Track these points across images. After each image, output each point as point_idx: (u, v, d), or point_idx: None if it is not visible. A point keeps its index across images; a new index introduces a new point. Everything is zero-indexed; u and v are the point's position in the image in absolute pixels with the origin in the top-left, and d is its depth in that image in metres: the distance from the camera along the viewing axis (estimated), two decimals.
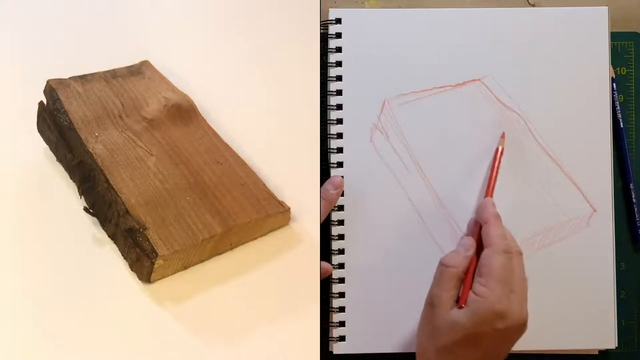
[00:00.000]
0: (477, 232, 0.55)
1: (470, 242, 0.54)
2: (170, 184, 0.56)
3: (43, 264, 0.53)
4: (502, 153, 0.59)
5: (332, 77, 0.61)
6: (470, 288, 0.51)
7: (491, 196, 0.57)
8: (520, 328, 0.51)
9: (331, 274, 0.59)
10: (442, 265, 0.53)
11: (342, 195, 0.59)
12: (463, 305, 0.50)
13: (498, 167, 0.58)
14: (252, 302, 0.52)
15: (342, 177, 0.59)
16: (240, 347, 0.50)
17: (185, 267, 0.53)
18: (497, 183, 0.59)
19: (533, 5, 0.65)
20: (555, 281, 0.59)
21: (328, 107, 0.61)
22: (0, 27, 0.69)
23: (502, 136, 0.59)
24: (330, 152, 0.60)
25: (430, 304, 0.52)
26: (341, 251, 0.59)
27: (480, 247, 0.53)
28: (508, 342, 0.51)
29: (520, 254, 0.52)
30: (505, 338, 0.50)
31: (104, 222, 0.55)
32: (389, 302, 0.59)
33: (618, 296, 0.60)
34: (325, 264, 0.58)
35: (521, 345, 0.59)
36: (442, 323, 0.50)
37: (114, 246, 0.54)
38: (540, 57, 0.61)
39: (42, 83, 0.61)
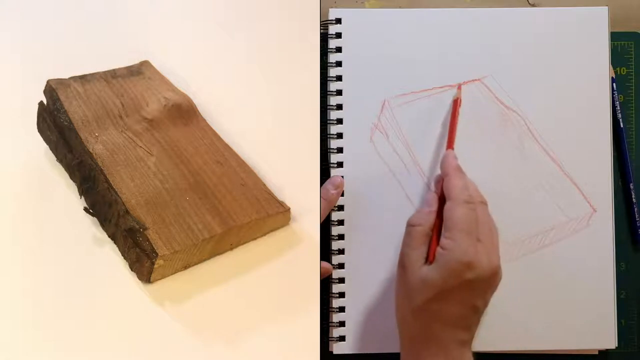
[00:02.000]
0: (441, 187, 0.54)
1: (433, 198, 0.54)
2: (170, 184, 0.56)
3: (43, 264, 0.53)
4: (459, 104, 0.59)
5: (332, 77, 0.61)
6: (436, 243, 0.51)
7: (452, 148, 0.56)
8: (491, 277, 0.50)
9: (331, 274, 0.59)
10: (409, 225, 0.53)
11: (342, 195, 0.59)
12: (432, 261, 0.50)
13: (457, 117, 0.58)
14: (252, 302, 0.52)
15: (342, 177, 0.59)
16: (240, 347, 0.50)
17: (185, 267, 0.53)
18: (498, 183, 0.59)
19: (533, 5, 0.65)
20: (556, 281, 0.59)
21: (328, 107, 0.61)
22: (0, 27, 0.69)
23: (459, 87, 0.59)
24: (330, 152, 0.60)
25: (401, 265, 0.52)
26: (341, 251, 0.59)
27: (443, 202, 0.53)
28: (482, 292, 0.50)
29: (483, 203, 0.52)
30: (477, 288, 0.50)
31: (104, 222, 0.55)
32: (389, 302, 0.59)
33: (618, 296, 0.60)
34: (325, 264, 0.58)
35: (521, 345, 0.59)
36: (414, 282, 0.50)
37: (114, 246, 0.54)
38: (540, 57, 0.61)
39: (42, 83, 0.61)
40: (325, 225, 0.59)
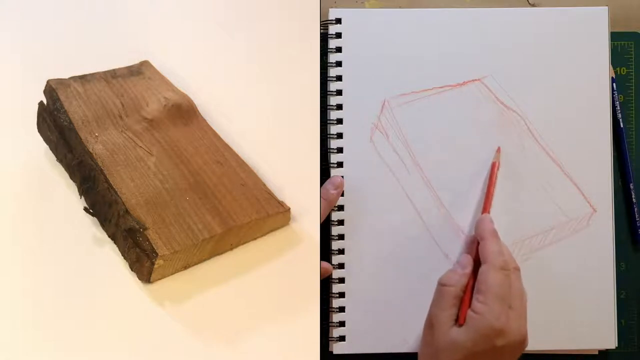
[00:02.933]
0: (475, 249, 0.54)
1: (467, 260, 0.54)
2: (170, 184, 0.56)
3: (43, 264, 0.53)
4: (498, 168, 0.59)
5: (332, 77, 0.61)
6: (468, 305, 0.51)
7: (488, 212, 0.57)
8: (520, 344, 0.50)
9: (331, 274, 0.59)
10: (440, 284, 0.53)
11: (342, 195, 0.59)
12: (462, 324, 0.50)
13: (494, 182, 0.58)
14: (252, 302, 0.52)
15: (342, 177, 0.59)
16: (240, 347, 0.50)
17: (185, 267, 0.53)
18: (498, 183, 0.59)
19: (533, 5, 0.65)
20: (556, 281, 0.59)
21: (328, 107, 0.61)
22: (0, 27, 0.69)
23: (498, 150, 0.59)
24: (330, 152, 0.60)
25: (430, 324, 0.52)
26: (341, 251, 0.59)
27: (478, 265, 0.53)
28: (509, 358, 0.51)
29: (517, 269, 0.52)
30: (505, 355, 0.50)
31: (104, 222, 0.55)
32: (389, 302, 0.59)
33: (618, 296, 0.60)
34: (325, 264, 0.58)
35: None
36: (442, 343, 0.50)
37: (114, 246, 0.54)
38: (540, 57, 0.61)
39: (42, 83, 0.61)
40: (325, 225, 0.59)
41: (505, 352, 0.50)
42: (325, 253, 0.59)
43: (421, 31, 0.61)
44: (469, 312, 0.50)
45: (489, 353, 0.49)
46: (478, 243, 0.54)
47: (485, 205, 0.57)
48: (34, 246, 0.55)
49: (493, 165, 0.59)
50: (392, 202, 0.59)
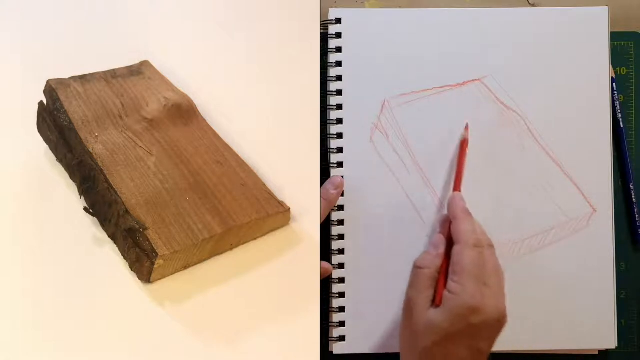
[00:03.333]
0: (448, 228, 0.54)
1: (440, 240, 0.54)
2: (170, 184, 0.56)
3: (43, 264, 0.53)
4: (467, 144, 0.58)
5: (332, 77, 0.61)
6: (444, 286, 0.51)
7: (459, 190, 0.56)
8: (497, 322, 0.50)
9: (331, 274, 0.59)
10: (416, 267, 0.53)
11: (342, 195, 0.59)
12: (438, 305, 0.50)
13: (464, 159, 0.58)
14: (252, 302, 0.52)
15: (342, 177, 0.59)
16: (240, 347, 0.50)
17: (185, 267, 0.53)
18: (498, 183, 0.59)
19: (533, 5, 0.65)
20: (556, 281, 0.59)
21: (328, 107, 0.61)
22: (0, 27, 0.69)
23: (466, 128, 0.59)
24: (330, 152, 0.60)
25: (407, 307, 0.52)
26: (341, 251, 0.59)
27: (451, 244, 0.53)
28: (488, 336, 0.50)
29: (491, 246, 0.52)
30: (483, 333, 0.50)
31: (104, 222, 0.55)
32: (389, 302, 0.59)
33: (618, 296, 0.60)
34: (325, 264, 0.58)
35: (521, 345, 0.59)
36: (420, 325, 0.50)
37: (114, 246, 0.54)
38: (540, 57, 0.61)
39: (42, 83, 0.61)
40: (325, 225, 0.59)
41: (482, 329, 0.49)
42: (325, 253, 0.59)
43: (421, 31, 0.61)
44: (445, 293, 0.50)
45: (466, 332, 0.49)
46: (451, 222, 0.54)
47: (456, 182, 0.57)
48: (34, 246, 0.55)
49: (462, 142, 0.59)
50: (392, 202, 0.59)
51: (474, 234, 0.52)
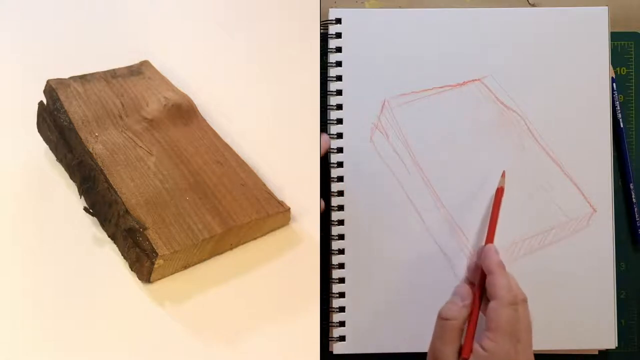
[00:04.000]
0: (479, 277, 0.53)
1: (467, 291, 0.53)
2: (170, 184, 0.56)
3: (43, 264, 0.53)
4: (502, 193, 0.57)
5: (332, 77, 0.61)
6: (472, 338, 0.51)
7: (492, 242, 0.55)
8: None
9: (331, 274, 0.59)
10: (441, 318, 0.52)
11: (342, 195, 0.59)
12: (466, 358, 0.50)
13: (499, 210, 0.57)
14: (252, 302, 0.52)
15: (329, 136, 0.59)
16: (240, 347, 0.50)
17: (185, 267, 0.53)
18: (497, 183, 0.59)
19: (533, 5, 0.65)
20: (556, 281, 0.59)
21: (328, 107, 0.61)
22: (0, 27, 0.69)
23: (503, 175, 0.58)
24: (330, 152, 0.60)
25: (434, 359, 0.51)
26: (341, 251, 0.59)
27: (482, 295, 0.53)
28: None
29: (525, 301, 0.51)
30: None
31: (104, 222, 0.55)
32: (389, 302, 0.59)
33: (618, 296, 0.60)
34: (325, 136, 0.58)
35: None
36: None
37: (114, 246, 0.54)
38: (540, 57, 0.61)
39: (42, 83, 0.61)
40: (325, 225, 0.59)
41: None
42: (325, 253, 0.59)
43: (421, 31, 0.61)
44: (478, 349, 0.50)
45: None
46: (482, 273, 0.53)
47: (489, 234, 0.56)
48: (34, 246, 0.55)
49: (498, 191, 0.57)
50: (392, 202, 0.59)
51: (511, 291, 0.51)
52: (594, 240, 0.60)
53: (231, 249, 0.55)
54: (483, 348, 0.49)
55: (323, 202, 0.58)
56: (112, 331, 0.50)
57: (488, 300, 0.52)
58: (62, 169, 0.59)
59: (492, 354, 0.49)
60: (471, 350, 0.50)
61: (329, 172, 0.60)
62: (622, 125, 0.62)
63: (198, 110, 0.63)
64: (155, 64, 0.67)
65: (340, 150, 0.60)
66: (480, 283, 0.53)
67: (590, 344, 0.59)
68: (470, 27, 0.61)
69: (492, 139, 0.60)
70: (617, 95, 0.63)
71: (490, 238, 0.55)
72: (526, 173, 0.60)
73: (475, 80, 0.61)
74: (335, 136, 0.60)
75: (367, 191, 0.60)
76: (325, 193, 0.59)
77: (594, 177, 0.60)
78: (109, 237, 0.55)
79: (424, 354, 0.58)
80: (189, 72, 0.68)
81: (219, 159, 0.59)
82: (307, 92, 0.61)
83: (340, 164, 0.60)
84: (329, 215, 0.59)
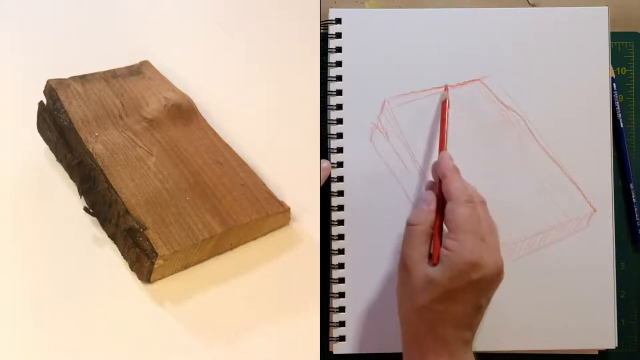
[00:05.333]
0: (438, 186, 0.54)
1: (431, 197, 0.54)
2: (170, 184, 0.56)
3: (43, 264, 0.53)
4: (448, 105, 0.58)
5: (332, 77, 0.61)
6: (441, 244, 0.51)
7: (445, 149, 0.56)
8: (496, 276, 0.50)
9: (331, 274, 0.59)
10: (409, 224, 0.53)
11: (342, 195, 0.59)
12: (436, 263, 0.50)
13: (447, 119, 0.58)
14: (252, 302, 0.53)
15: (330, 162, 0.59)
16: (240, 347, 0.50)
17: (185, 267, 0.53)
18: (497, 183, 0.59)
19: (533, 5, 0.65)
20: (556, 281, 0.59)
21: (328, 107, 0.61)
22: (0, 27, 0.69)
23: (445, 89, 0.59)
24: (330, 152, 0.60)
25: (403, 264, 0.52)
26: (341, 251, 0.59)
27: (441, 202, 0.53)
28: (486, 291, 0.50)
29: (483, 202, 0.52)
30: (482, 288, 0.50)
31: (104, 222, 0.55)
32: (389, 302, 0.59)
33: (618, 296, 0.60)
34: (325, 163, 0.59)
35: (521, 345, 0.59)
36: (418, 282, 0.50)
37: (114, 246, 0.54)
38: (540, 57, 0.61)
39: (42, 83, 0.61)
40: (325, 225, 0.59)
41: (482, 285, 0.49)
42: (325, 253, 0.59)
43: (421, 31, 0.61)
44: (442, 250, 0.50)
45: (466, 287, 0.49)
46: (440, 182, 0.54)
47: (441, 143, 0.57)
48: (34, 246, 0.55)
49: (443, 104, 0.59)
50: (392, 202, 0.59)
51: (466, 191, 0.52)
52: (594, 240, 0.60)
53: (231, 249, 0.55)
54: (446, 248, 0.50)
55: (328, 164, 0.59)
56: (112, 331, 0.50)
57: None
58: (62, 169, 0.59)
59: (456, 252, 0.49)
60: (439, 255, 0.50)
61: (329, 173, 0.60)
62: (622, 125, 0.62)
63: (198, 110, 0.63)
64: (155, 64, 0.67)
65: (340, 150, 0.60)
66: (439, 190, 0.54)
67: (590, 344, 0.59)
68: (470, 27, 0.61)
69: (492, 139, 0.60)
70: (617, 95, 0.63)
71: (442, 146, 0.57)
72: (526, 173, 0.60)
73: (475, 80, 0.61)
74: (335, 136, 0.60)
75: (367, 191, 0.60)
76: (325, 193, 0.59)
77: (594, 177, 0.60)
78: (109, 237, 0.55)
79: None
80: (189, 72, 0.68)
81: (219, 159, 0.59)
82: (307, 92, 0.61)
83: (340, 164, 0.60)
84: (329, 215, 0.59)
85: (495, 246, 0.50)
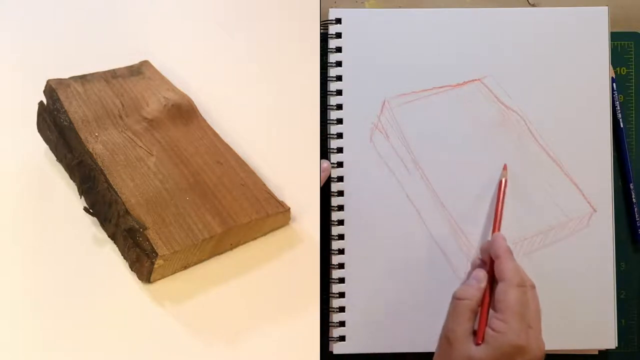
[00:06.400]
0: (489, 265, 0.54)
1: (483, 274, 0.53)
2: (170, 184, 0.56)
3: (43, 264, 0.53)
4: (506, 185, 0.58)
5: (332, 77, 0.61)
6: (486, 323, 0.51)
7: (499, 230, 0.56)
8: None
9: (331, 274, 0.59)
10: (456, 298, 0.52)
11: (342, 195, 0.59)
12: (480, 342, 0.50)
13: (503, 200, 0.57)
14: (252, 302, 0.52)
15: (330, 162, 0.59)
16: (240, 347, 0.50)
17: (185, 267, 0.53)
18: (497, 183, 0.59)
19: (533, 5, 0.65)
20: (555, 281, 0.59)
21: (328, 107, 0.61)
22: (0, 27, 0.69)
23: (504, 168, 0.59)
24: (330, 152, 0.60)
25: (446, 338, 0.51)
26: (341, 251, 0.59)
27: (492, 282, 0.53)
28: None
29: (533, 287, 0.52)
30: None
31: (104, 222, 0.55)
32: (389, 302, 0.59)
33: (618, 296, 0.60)
34: (325, 163, 0.59)
35: None
36: (460, 359, 0.50)
37: (114, 246, 0.54)
38: (540, 57, 0.61)
39: (42, 83, 0.61)
40: (325, 225, 0.59)
41: None
42: (325, 253, 0.59)
43: (421, 31, 0.61)
44: (488, 331, 0.50)
45: None
46: (492, 261, 0.53)
47: (495, 223, 0.57)
48: (34, 246, 0.55)
49: (500, 183, 0.58)
50: (392, 202, 0.59)
51: (518, 273, 0.51)
52: (594, 240, 0.60)
53: (231, 249, 0.55)
54: (493, 329, 0.49)
55: (328, 164, 0.58)
56: (112, 331, 0.50)
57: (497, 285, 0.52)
58: (62, 169, 0.59)
59: (503, 334, 0.49)
60: (484, 335, 0.50)
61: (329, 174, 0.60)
62: (622, 125, 0.62)
63: (198, 110, 0.63)
64: (155, 64, 0.67)
65: (340, 150, 0.60)
66: (490, 269, 0.53)
67: (590, 344, 0.59)
68: (470, 27, 0.61)
69: (492, 139, 0.60)
70: (617, 95, 0.63)
71: (496, 227, 0.56)
72: (526, 173, 0.60)
73: (475, 80, 0.61)
74: (335, 136, 0.60)
75: (367, 191, 0.60)
76: (325, 193, 0.59)
77: (594, 177, 0.60)
78: (109, 237, 0.55)
79: (424, 354, 0.58)
80: (189, 72, 0.68)
81: (219, 159, 0.59)
82: (307, 92, 0.61)
83: (340, 164, 0.60)
84: (329, 215, 0.59)
85: (539, 332, 0.50)
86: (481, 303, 0.52)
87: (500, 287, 0.51)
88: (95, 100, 0.61)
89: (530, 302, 0.51)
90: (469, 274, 0.55)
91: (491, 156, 0.60)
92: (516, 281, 0.51)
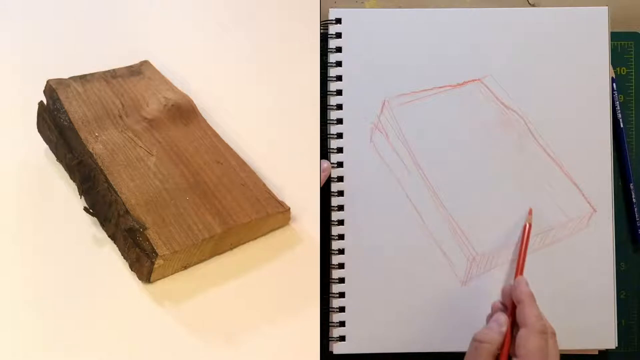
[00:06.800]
0: (511, 309, 0.54)
1: (504, 319, 0.53)
2: (170, 184, 0.56)
3: (43, 264, 0.53)
4: (530, 229, 0.58)
5: (332, 77, 0.61)
6: None
7: (522, 274, 0.56)
8: None
9: (331, 274, 0.59)
10: (476, 341, 0.52)
11: (342, 195, 0.59)
12: None
13: (527, 244, 0.57)
14: (252, 302, 0.52)
15: (330, 162, 0.59)
16: (240, 347, 0.50)
17: (185, 267, 0.53)
18: (497, 184, 0.59)
19: (533, 5, 0.65)
20: (556, 281, 0.59)
21: (328, 107, 0.61)
22: (0, 27, 0.69)
23: (530, 212, 0.59)
24: (330, 152, 0.60)
25: None
26: (341, 251, 0.59)
27: (513, 326, 0.53)
28: None
29: (554, 334, 0.52)
30: None
31: (104, 222, 0.55)
32: (388, 302, 0.59)
33: (618, 296, 0.60)
34: (325, 163, 0.58)
35: None
36: None
37: (114, 246, 0.54)
38: (540, 57, 0.61)
39: (42, 83, 0.61)
40: (325, 225, 0.59)
41: None
42: (325, 253, 0.59)
43: (421, 31, 0.61)
44: None
45: None
46: (513, 305, 0.53)
47: (518, 267, 0.57)
48: (34, 246, 0.55)
49: (525, 227, 0.58)
50: (392, 202, 0.59)
51: (541, 320, 0.52)
52: (594, 240, 0.60)
53: (231, 249, 0.55)
54: None
55: (328, 164, 0.58)
56: (112, 331, 0.50)
57: (518, 330, 0.52)
58: (62, 169, 0.59)
59: None
60: None
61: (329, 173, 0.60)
62: (622, 125, 0.62)
63: (198, 110, 0.63)
64: (155, 64, 0.67)
65: (340, 150, 0.60)
66: (511, 313, 0.53)
67: (590, 344, 0.59)
68: (470, 27, 0.61)
69: (492, 139, 0.60)
70: (617, 95, 0.63)
71: (520, 271, 0.56)
72: (526, 173, 0.60)
73: (475, 80, 0.61)
74: (335, 136, 0.60)
75: (367, 191, 0.60)
76: (326, 193, 0.59)
77: (594, 177, 0.60)
78: (109, 237, 0.55)
79: (423, 354, 0.58)
80: (189, 72, 0.68)
81: (219, 159, 0.59)
82: (307, 92, 0.61)
83: (340, 164, 0.60)
84: (329, 215, 0.59)
85: None
86: (501, 347, 0.52)
87: (522, 333, 0.51)
88: (95, 100, 0.61)
89: (551, 350, 0.51)
90: (489, 316, 0.55)
91: (491, 156, 0.60)
92: (538, 328, 0.51)
